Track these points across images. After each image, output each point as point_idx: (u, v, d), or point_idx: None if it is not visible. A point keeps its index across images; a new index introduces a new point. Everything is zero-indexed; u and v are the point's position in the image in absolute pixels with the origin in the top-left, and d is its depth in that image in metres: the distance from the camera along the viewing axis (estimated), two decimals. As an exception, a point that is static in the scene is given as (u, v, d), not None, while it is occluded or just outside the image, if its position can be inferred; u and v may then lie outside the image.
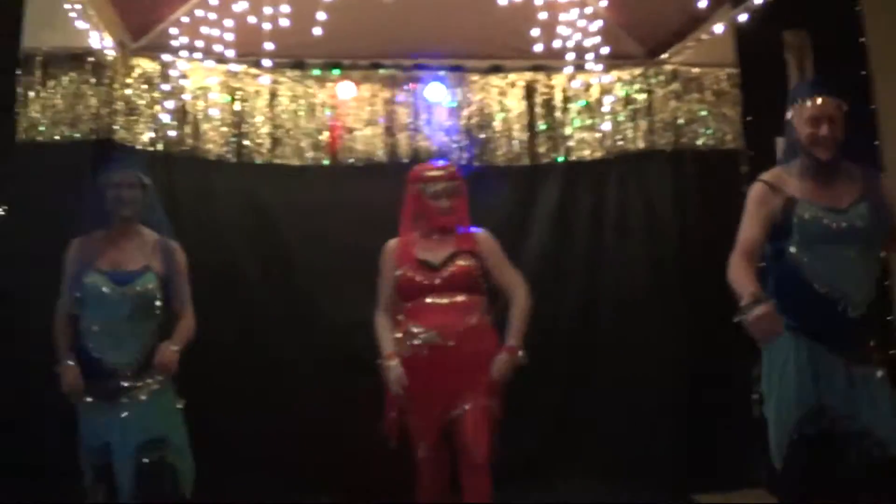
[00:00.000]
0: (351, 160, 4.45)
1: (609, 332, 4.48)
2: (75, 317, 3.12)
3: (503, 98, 4.51)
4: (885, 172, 3.76)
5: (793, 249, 2.64)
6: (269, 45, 4.09)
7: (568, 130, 4.56)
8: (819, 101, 2.65)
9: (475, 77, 4.51)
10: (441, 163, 3.62)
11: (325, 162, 4.45)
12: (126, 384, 3.02)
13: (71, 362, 3.06)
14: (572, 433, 4.41)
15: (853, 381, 2.57)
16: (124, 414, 3.00)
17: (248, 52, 4.30)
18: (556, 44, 4.26)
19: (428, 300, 3.29)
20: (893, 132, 4.23)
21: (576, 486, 4.29)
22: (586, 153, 4.57)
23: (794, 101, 2.73)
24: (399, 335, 3.33)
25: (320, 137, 4.44)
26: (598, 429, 4.40)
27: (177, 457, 3.08)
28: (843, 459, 2.56)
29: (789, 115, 2.75)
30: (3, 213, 4.29)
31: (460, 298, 3.28)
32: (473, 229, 3.44)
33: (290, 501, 4.16)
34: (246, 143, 4.42)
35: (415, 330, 3.26)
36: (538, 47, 4.30)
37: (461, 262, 3.32)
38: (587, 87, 4.57)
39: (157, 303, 3.11)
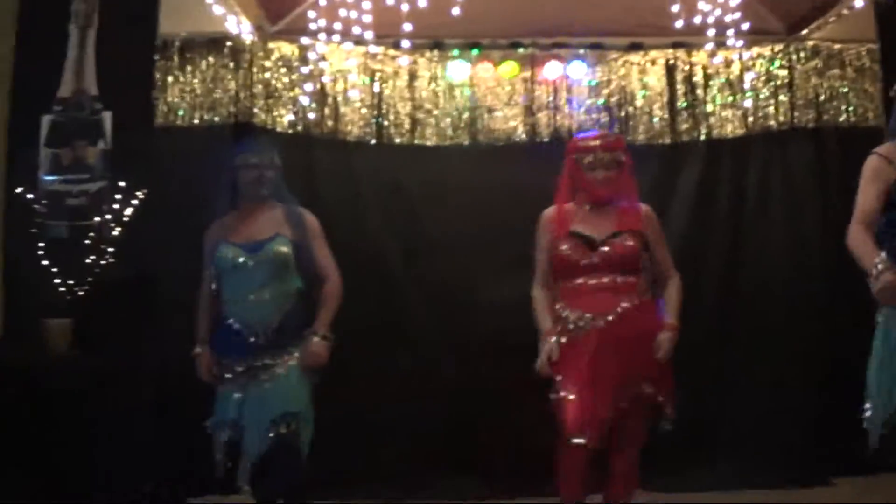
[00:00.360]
0: (491, 140, 4.40)
1: (749, 312, 4.41)
2: (216, 298, 3.15)
3: (643, 76, 4.45)
4: None
5: None
6: (407, 26, 4.07)
7: (709, 108, 4.48)
8: None
9: (615, 55, 4.45)
10: (600, 132, 3.48)
11: (465, 142, 4.41)
12: (266, 360, 3.02)
13: (204, 349, 3.12)
14: (710, 412, 4.34)
15: None
16: (261, 388, 3.01)
17: (387, 34, 4.29)
18: (697, 20, 4.18)
19: (580, 280, 3.05)
20: None
21: (714, 467, 4.22)
22: (727, 131, 4.48)
23: None
24: (562, 314, 3.09)
25: (461, 117, 4.40)
26: (736, 409, 4.32)
27: (304, 427, 3.08)
28: None
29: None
30: (142, 196, 4.33)
31: (619, 279, 3.03)
32: (638, 205, 3.18)
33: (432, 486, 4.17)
34: (385, 124, 4.41)
35: (569, 315, 3.04)
36: (678, 24, 4.24)
37: (624, 242, 3.06)
38: (728, 63, 4.49)
39: (291, 266, 3.09)
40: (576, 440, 2.91)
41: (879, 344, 2.65)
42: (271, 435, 2.98)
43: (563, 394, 2.97)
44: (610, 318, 2.98)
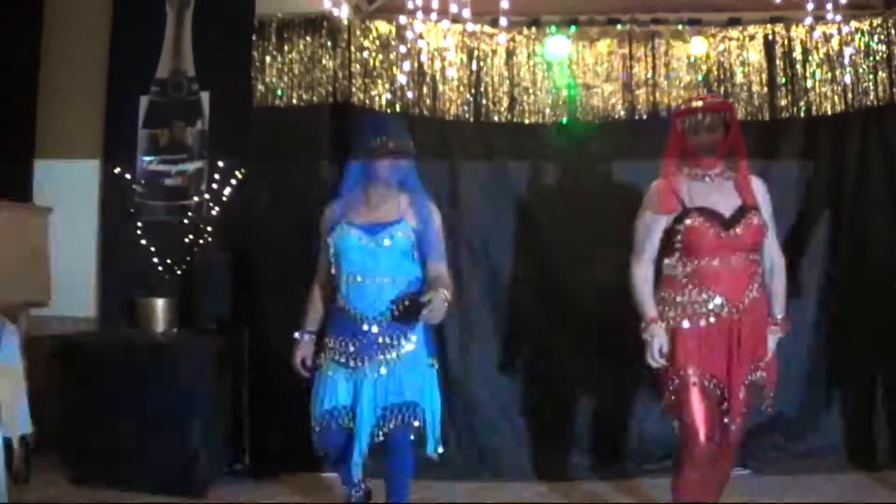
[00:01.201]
0: (590, 117, 4.40)
1: (849, 293, 4.35)
2: (329, 280, 3.10)
3: (742, 51, 4.41)
4: None
5: None
6: (504, 4, 4.05)
7: (808, 83, 4.43)
8: None
9: (713, 30, 4.42)
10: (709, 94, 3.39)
11: (564, 120, 4.40)
12: (381, 345, 2.94)
13: (306, 336, 3.11)
14: (814, 394, 4.32)
15: None
16: (375, 375, 2.94)
17: (484, 11, 4.28)
18: (795, -6, 4.16)
19: (716, 261, 2.86)
20: None
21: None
22: (827, 107, 4.44)
23: None
24: (678, 298, 2.92)
25: (559, 95, 4.40)
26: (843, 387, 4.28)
27: (425, 419, 2.98)
28: None
29: None
30: (240, 176, 4.36)
31: (749, 260, 2.89)
32: (749, 176, 3.01)
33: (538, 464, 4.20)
34: (484, 102, 4.41)
35: (702, 296, 2.87)
36: (777, -2, 4.21)
37: (754, 219, 2.89)
38: (827, 38, 4.44)
39: (414, 254, 3.02)
40: (709, 444, 2.78)
41: None
42: (387, 424, 2.93)
43: (692, 391, 2.82)
44: (742, 305, 2.85)
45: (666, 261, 3.00)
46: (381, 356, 2.94)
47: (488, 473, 4.17)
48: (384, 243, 2.97)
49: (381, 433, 2.94)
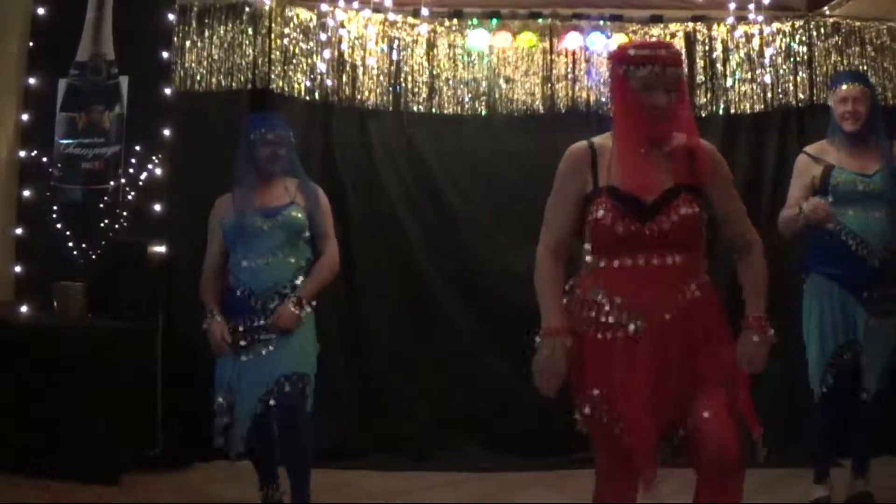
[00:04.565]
0: (508, 110, 4.39)
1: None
2: (222, 268, 3.20)
3: (663, 49, 4.41)
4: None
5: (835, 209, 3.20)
6: (427, -6, 4.06)
7: (728, 82, 4.45)
8: (845, 86, 3.31)
9: (635, 27, 4.43)
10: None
11: (483, 112, 4.40)
12: (264, 321, 3.06)
13: (218, 317, 3.12)
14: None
15: (867, 323, 3.14)
16: (261, 351, 3.06)
17: (406, 2, 4.29)
18: (718, -7, 4.19)
19: (629, 261, 2.11)
20: None
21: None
22: (746, 106, 4.46)
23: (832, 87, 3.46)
24: (581, 304, 2.17)
25: (478, 87, 4.39)
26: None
27: (307, 388, 3.11)
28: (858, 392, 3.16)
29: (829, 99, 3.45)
30: (157, 161, 4.32)
31: (678, 259, 2.11)
32: (700, 142, 2.18)
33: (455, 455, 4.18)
34: (403, 92, 4.39)
35: (606, 305, 2.12)
36: (699, -4, 4.24)
37: (685, 209, 2.10)
38: (748, 38, 4.47)
39: (306, 234, 3.17)
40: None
41: (813, 307, 3.27)
42: (266, 398, 3.02)
43: (606, 415, 2.11)
44: (667, 315, 2.09)
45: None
46: (266, 334, 3.06)
47: (407, 465, 4.13)
48: (279, 224, 3.12)
49: (262, 409, 3.06)
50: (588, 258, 2.18)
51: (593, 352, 2.14)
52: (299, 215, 3.15)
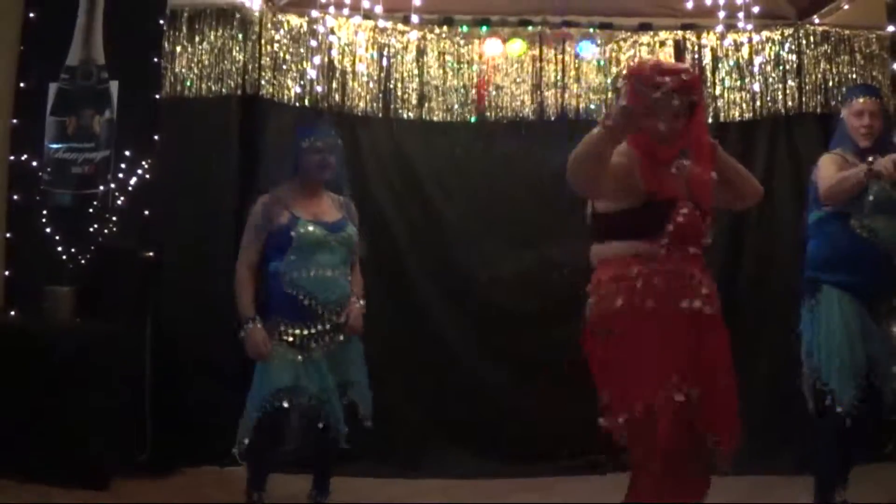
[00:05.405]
0: (498, 117, 4.40)
1: (753, 299, 4.37)
2: (257, 271, 3.21)
3: (652, 56, 4.43)
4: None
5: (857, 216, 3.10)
6: (417, 1, 4.06)
7: (717, 90, 4.46)
8: (862, 100, 3.26)
9: (624, 35, 4.44)
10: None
11: (472, 119, 4.41)
12: (326, 327, 3.15)
13: (255, 324, 3.11)
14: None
15: (882, 334, 3.06)
16: (325, 356, 3.15)
17: (396, 8, 4.29)
18: (707, 2, 4.19)
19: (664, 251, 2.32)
20: None
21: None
22: (735, 113, 4.47)
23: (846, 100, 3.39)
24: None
25: (468, 94, 4.40)
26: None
27: (359, 395, 3.27)
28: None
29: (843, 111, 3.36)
30: (148, 166, 4.32)
31: (696, 252, 2.39)
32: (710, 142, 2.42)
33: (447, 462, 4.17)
34: (393, 99, 4.40)
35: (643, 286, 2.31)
36: (689, 5, 4.24)
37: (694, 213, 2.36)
38: (737, 46, 4.48)
39: (356, 252, 3.33)
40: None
41: (835, 322, 3.09)
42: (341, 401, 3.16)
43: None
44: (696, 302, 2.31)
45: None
46: (326, 340, 3.17)
47: (397, 472, 4.12)
48: (343, 240, 3.22)
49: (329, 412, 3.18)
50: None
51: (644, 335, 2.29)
52: (354, 233, 3.29)
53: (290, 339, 3.12)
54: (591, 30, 4.40)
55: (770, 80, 4.48)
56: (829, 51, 4.51)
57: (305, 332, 3.12)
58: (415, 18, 4.26)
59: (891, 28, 4.45)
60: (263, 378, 3.12)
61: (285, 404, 3.07)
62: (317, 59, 4.33)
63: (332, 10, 4.28)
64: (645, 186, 2.33)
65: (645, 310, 2.29)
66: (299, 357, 3.11)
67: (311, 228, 3.16)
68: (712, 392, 2.27)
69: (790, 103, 4.47)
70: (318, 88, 4.34)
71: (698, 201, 2.37)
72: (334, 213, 3.27)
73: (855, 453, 3.22)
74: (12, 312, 4.28)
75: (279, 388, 3.07)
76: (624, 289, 2.31)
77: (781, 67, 4.48)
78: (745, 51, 4.49)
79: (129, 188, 4.33)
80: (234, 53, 4.32)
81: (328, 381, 3.13)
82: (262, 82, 4.32)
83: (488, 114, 4.40)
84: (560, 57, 4.41)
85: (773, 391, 4.22)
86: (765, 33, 4.50)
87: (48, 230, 4.33)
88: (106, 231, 4.32)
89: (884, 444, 3.82)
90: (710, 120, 4.44)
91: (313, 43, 4.33)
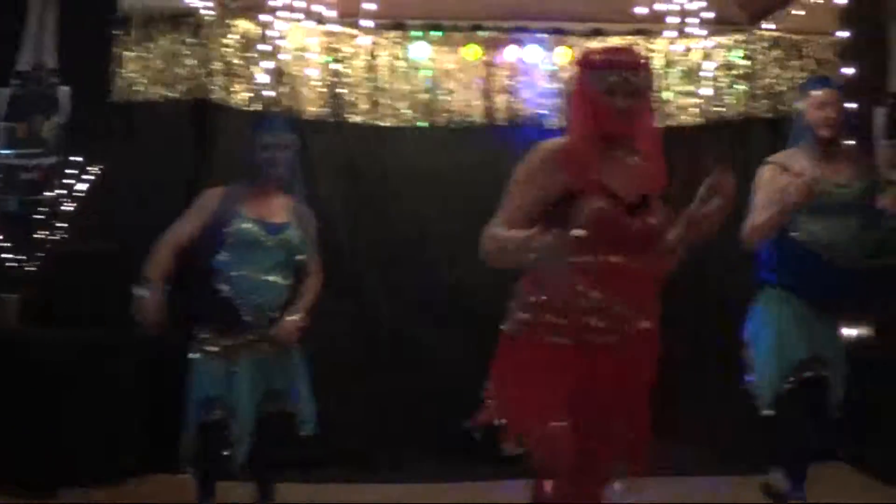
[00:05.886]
0: (448, 122, 4.41)
1: (696, 304, 4.37)
2: (182, 250, 3.08)
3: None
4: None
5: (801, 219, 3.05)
6: (368, 6, 4.07)
7: (667, 95, 4.48)
8: (823, 91, 3.15)
9: (576, 40, 4.45)
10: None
11: (423, 123, 4.40)
12: (254, 336, 3.03)
13: (155, 291, 2.97)
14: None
15: (830, 338, 3.06)
16: (252, 365, 3.03)
17: (348, 13, 4.30)
18: (658, 7, 4.22)
19: (614, 258, 2.10)
20: None
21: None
22: (685, 119, 4.49)
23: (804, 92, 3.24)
24: (545, 303, 2.12)
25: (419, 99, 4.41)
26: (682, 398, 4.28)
27: (297, 405, 3.13)
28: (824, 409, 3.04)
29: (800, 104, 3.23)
30: (97, 171, 4.30)
31: (644, 263, 2.14)
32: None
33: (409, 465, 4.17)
34: (343, 103, 4.40)
35: (587, 301, 2.10)
36: (640, 10, 4.27)
37: (650, 216, 2.16)
38: (688, 51, 4.51)
39: (299, 257, 3.15)
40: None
41: (770, 321, 3.10)
42: (261, 415, 3.03)
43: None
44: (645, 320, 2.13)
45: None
46: (256, 346, 3.04)
47: (365, 477, 4.10)
48: (281, 243, 3.08)
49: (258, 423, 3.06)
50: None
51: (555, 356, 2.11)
52: (297, 237, 3.14)
53: (217, 348, 3.03)
54: (542, 35, 4.41)
55: (721, 85, 4.50)
56: (779, 56, 4.54)
57: (231, 341, 3.03)
58: (366, 23, 4.30)
59: (841, 33, 4.52)
60: (193, 388, 3.07)
61: (217, 413, 3.01)
62: (267, 64, 4.32)
63: (283, 14, 4.28)
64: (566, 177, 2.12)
65: (542, 324, 2.13)
66: (226, 367, 3.02)
67: (247, 226, 3.06)
68: (614, 418, 2.10)
69: (741, 108, 4.49)
70: (269, 93, 4.33)
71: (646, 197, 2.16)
72: (281, 216, 3.14)
73: (800, 451, 3.20)
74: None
75: (209, 397, 3.02)
76: (531, 301, 2.16)
77: (732, 73, 4.51)
78: (695, 56, 4.51)
79: (79, 193, 4.30)
80: (184, 58, 4.31)
81: (251, 392, 3.03)
82: (213, 87, 4.30)
83: (439, 118, 4.39)
84: (511, 62, 4.41)
85: (728, 391, 4.22)
86: (716, 38, 4.54)
87: (-3, 237, 4.30)
88: (54, 237, 4.29)
89: (835, 445, 3.81)
90: (660, 124, 4.46)
91: (264, 47, 4.32)
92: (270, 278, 3.06)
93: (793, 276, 3.08)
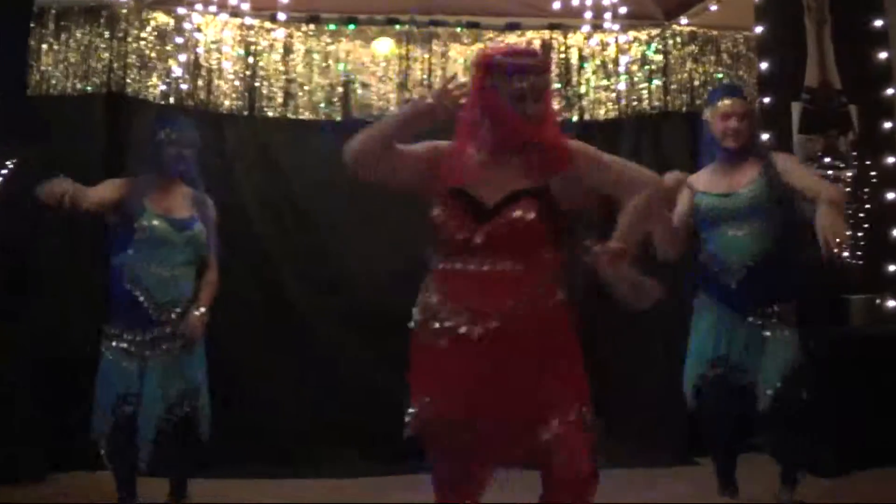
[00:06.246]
0: (364, 115, 4.41)
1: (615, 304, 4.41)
2: (90, 205, 3.09)
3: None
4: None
5: (702, 233, 3.15)
6: (284, -1, 4.07)
7: (583, 89, 4.53)
8: (727, 101, 3.12)
9: (491, 34, 4.48)
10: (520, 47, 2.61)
11: (338, 117, 4.41)
12: (160, 332, 3.06)
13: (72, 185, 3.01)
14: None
15: (750, 340, 3.02)
16: (161, 362, 3.05)
17: (263, 6, 4.31)
18: (575, 2, 4.25)
19: (459, 265, 2.07)
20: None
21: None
22: (601, 113, 4.53)
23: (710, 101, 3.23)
24: (423, 307, 2.14)
25: (334, 92, 4.42)
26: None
27: (204, 403, 3.18)
28: (739, 405, 3.07)
29: (706, 114, 3.22)
30: (12, 165, 4.27)
31: (514, 266, 2.04)
32: (564, 142, 2.11)
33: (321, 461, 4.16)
34: (259, 97, 4.41)
35: (440, 309, 2.08)
36: (556, 5, 4.30)
37: (518, 213, 2.03)
38: (604, 46, 4.54)
39: (204, 252, 3.20)
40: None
41: (694, 325, 3.20)
42: (170, 412, 3.04)
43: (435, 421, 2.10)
44: (495, 322, 2.02)
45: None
46: (167, 345, 3.07)
47: (279, 473, 4.08)
48: (187, 239, 3.14)
49: (169, 421, 3.06)
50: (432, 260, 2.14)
51: (425, 356, 2.12)
52: (203, 232, 3.19)
53: (125, 345, 3.05)
54: (459, 29, 4.43)
55: (636, 79, 4.55)
56: (695, 51, 4.60)
57: (140, 338, 3.05)
58: (281, 16, 4.30)
59: (758, 29, 4.57)
60: (103, 385, 3.08)
61: (127, 410, 3.03)
62: (183, 57, 4.32)
63: (198, 7, 4.28)
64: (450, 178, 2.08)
65: (425, 322, 2.12)
66: (136, 364, 3.04)
67: (156, 223, 3.09)
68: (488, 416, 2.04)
69: (655, 102, 4.54)
70: (184, 86, 4.33)
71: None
72: (185, 210, 3.19)
73: (716, 444, 3.27)
74: None
75: (118, 394, 3.04)
76: (425, 298, 2.14)
77: (647, 67, 4.55)
78: (611, 50, 4.56)
79: (-7, 187, 4.27)
80: (100, 51, 4.29)
81: (162, 389, 3.04)
82: (128, 80, 4.29)
83: (354, 112, 4.40)
84: (426, 56, 4.43)
85: (647, 387, 4.30)
86: (631, 33, 4.58)
87: None
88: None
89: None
90: (575, 118, 4.51)
91: (179, 40, 4.32)
92: (177, 275, 3.10)
93: (709, 285, 3.14)
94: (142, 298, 3.06)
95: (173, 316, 3.07)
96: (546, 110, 2.09)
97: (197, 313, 3.11)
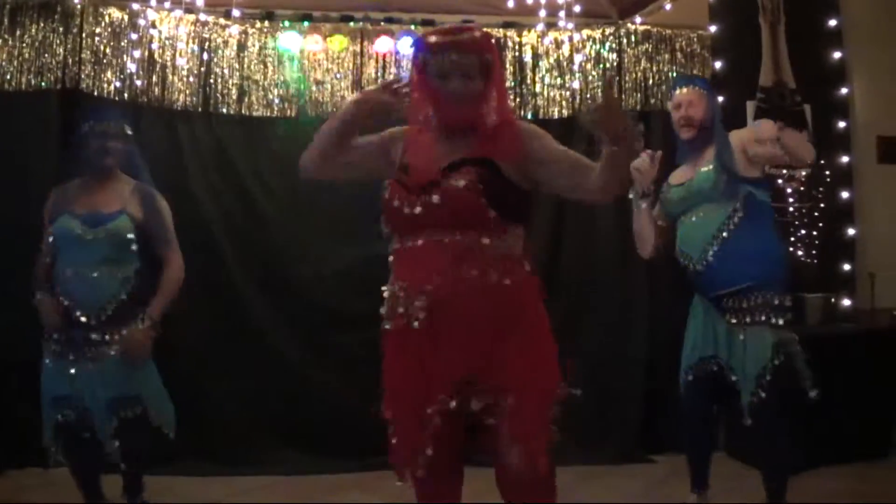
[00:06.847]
0: (318, 113, 4.43)
1: (574, 299, 4.47)
2: (50, 271, 3.04)
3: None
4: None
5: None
6: (239, -5, 4.07)
7: (537, 88, 4.55)
8: (680, 90, 3.16)
9: (445, 32, 4.48)
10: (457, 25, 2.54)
11: (292, 114, 4.43)
12: (94, 336, 2.94)
13: (45, 295, 2.97)
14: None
15: (731, 340, 3.01)
16: (92, 369, 2.93)
17: (218, 3, 4.32)
18: (529, 0, 4.28)
19: (409, 243, 2.06)
20: (864, 84, 4.53)
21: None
22: (555, 111, 4.56)
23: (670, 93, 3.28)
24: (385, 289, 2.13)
25: (288, 89, 4.43)
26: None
27: (153, 409, 3.04)
28: (720, 404, 3.13)
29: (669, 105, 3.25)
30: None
31: (456, 237, 2.01)
32: (514, 123, 2.15)
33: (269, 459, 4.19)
34: (213, 93, 4.40)
35: (396, 290, 2.07)
36: (510, 3, 4.33)
37: (453, 182, 2.01)
38: (558, 45, 4.57)
39: (133, 247, 3.01)
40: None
41: (690, 320, 3.20)
42: (121, 416, 2.95)
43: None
44: (440, 295, 2.00)
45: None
46: (92, 352, 2.94)
47: (220, 470, 4.11)
48: (102, 235, 2.96)
49: (114, 428, 2.95)
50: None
51: (386, 341, 2.12)
52: (125, 226, 2.99)
53: (56, 347, 2.97)
54: (413, 26, 4.44)
55: (590, 78, 4.57)
56: (649, 49, 4.62)
57: (67, 339, 2.95)
58: (236, 13, 4.31)
59: (712, 28, 4.61)
60: (42, 388, 3.03)
61: (68, 413, 2.96)
62: (137, 53, 4.32)
63: (153, 3, 4.28)
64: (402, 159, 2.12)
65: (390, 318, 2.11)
66: (70, 366, 2.95)
67: (66, 224, 2.96)
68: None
69: (610, 100, 4.55)
70: (138, 83, 4.33)
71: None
72: (114, 204, 3.00)
73: (698, 444, 3.23)
74: None
75: (56, 397, 2.97)
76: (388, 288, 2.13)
77: (602, 65, 4.58)
78: (565, 49, 4.58)
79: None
80: (54, 47, 4.29)
81: (101, 390, 2.94)
82: (83, 76, 4.29)
83: (308, 109, 4.42)
84: (381, 54, 4.45)
85: (597, 384, 4.35)
86: (585, 32, 4.60)
87: None
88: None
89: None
90: (529, 117, 4.54)
91: (134, 36, 4.32)
92: (96, 274, 2.95)
93: (689, 282, 3.15)
94: (66, 302, 2.95)
95: (103, 318, 2.93)
96: (481, 90, 2.06)
97: (141, 327, 2.93)
